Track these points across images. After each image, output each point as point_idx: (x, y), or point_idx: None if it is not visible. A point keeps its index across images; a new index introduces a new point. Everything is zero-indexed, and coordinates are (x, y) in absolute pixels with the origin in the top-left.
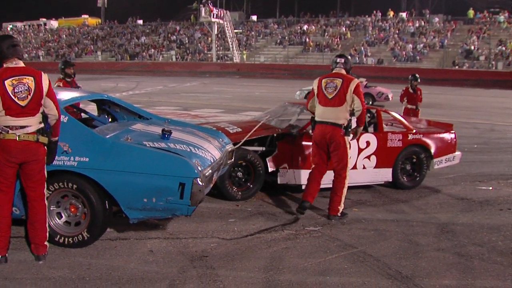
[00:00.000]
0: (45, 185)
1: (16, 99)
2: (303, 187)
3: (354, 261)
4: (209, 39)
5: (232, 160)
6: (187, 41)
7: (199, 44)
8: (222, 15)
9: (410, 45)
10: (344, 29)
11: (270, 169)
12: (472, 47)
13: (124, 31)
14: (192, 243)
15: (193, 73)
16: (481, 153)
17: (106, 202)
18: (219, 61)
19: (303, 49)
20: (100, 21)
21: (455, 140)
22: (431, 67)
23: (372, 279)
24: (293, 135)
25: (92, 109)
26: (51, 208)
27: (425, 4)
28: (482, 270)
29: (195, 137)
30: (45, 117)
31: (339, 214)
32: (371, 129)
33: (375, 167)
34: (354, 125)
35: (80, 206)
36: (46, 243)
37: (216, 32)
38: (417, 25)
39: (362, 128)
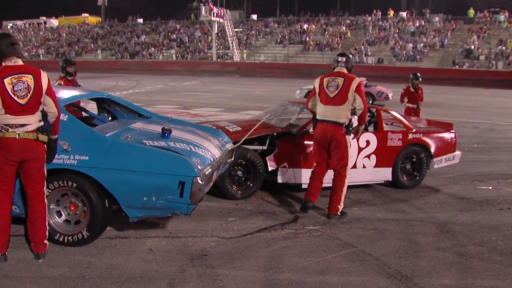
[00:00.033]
0: (45, 184)
1: (15, 98)
2: (303, 186)
3: (353, 260)
4: (209, 38)
5: (232, 159)
6: (187, 40)
7: (199, 43)
8: (222, 14)
9: (410, 45)
10: (344, 28)
11: (270, 168)
12: (472, 47)
13: (124, 30)
14: (192, 242)
15: (193, 72)
16: (481, 152)
17: (106, 200)
18: (219, 60)
19: (303, 48)
20: (100, 19)
21: (455, 139)
22: (431, 67)
23: (372, 278)
24: (293, 134)
25: (92, 107)
26: (51, 207)
27: (425, 3)
28: (481, 269)
29: (195, 136)
30: (44, 115)
31: (339, 213)
32: (371, 128)
33: (375, 166)
34: (355, 123)
35: (80, 204)
36: (45, 241)
37: (216, 31)
38: (417, 24)
39: (363, 126)
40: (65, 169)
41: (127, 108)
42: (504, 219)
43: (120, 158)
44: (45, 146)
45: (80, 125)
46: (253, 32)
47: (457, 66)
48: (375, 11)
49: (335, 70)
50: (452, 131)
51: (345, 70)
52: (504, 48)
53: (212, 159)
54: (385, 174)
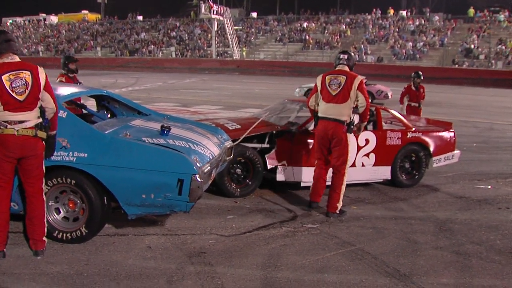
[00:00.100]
0: (44, 181)
1: (14, 94)
2: (302, 184)
3: (352, 259)
4: (209, 35)
5: (231, 156)
6: (187, 38)
7: (199, 41)
8: (222, 11)
9: (410, 43)
10: (344, 26)
11: (269, 166)
12: (472, 46)
13: (124, 27)
14: (191, 239)
15: (193, 70)
16: (480, 151)
17: (105, 197)
18: (218, 57)
19: (303, 47)
20: (100, 16)
21: (454, 138)
22: (430, 66)
23: (370, 276)
24: (292, 132)
25: (91, 105)
26: (50, 204)
27: (425, 2)
28: (480, 268)
29: (194, 134)
30: (42, 112)
31: (337, 212)
32: (370, 127)
33: (374, 165)
34: (356, 121)
35: (78, 201)
36: (44, 238)
37: (216, 29)
38: (417, 23)
39: (365, 123)
40: (64, 166)
41: (126, 105)
42: (503, 218)
43: (119, 155)
44: (43, 142)
45: (79, 122)
46: (252, 30)
47: (456, 65)
48: (375, 10)
49: (337, 68)
50: (451, 130)
51: (346, 68)
52: (503, 47)
53: (211, 157)
54: (384, 172)
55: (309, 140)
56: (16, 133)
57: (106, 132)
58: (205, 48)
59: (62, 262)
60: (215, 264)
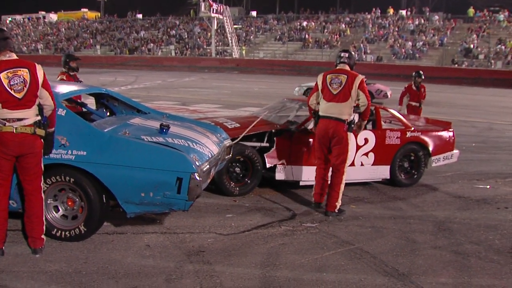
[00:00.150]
0: (42, 179)
1: (12, 92)
2: (301, 183)
3: (351, 258)
4: (209, 34)
5: (230, 155)
6: (186, 36)
7: (198, 39)
8: (221, 10)
9: (410, 43)
10: (343, 26)
11: (268, 165)
12: (472, 46)
13: (124, 25)
14: (189, 238)
15: (192, 68)
16: (479, 151)
17: (104, 196)
18: (218, 56)
19: (303, 46)
20: (99, 14)
21: (453, 138)
22: (430, 65)
23: (369, 276)
24: (291, 131)
25: (91, 103)
26: (48, 202)
27: (425, 2)
28: (478, 268)
29: (193, 132)
30: (41, 109)
31: (336, 211)
32: (369, 126)
33: (373, 164)
34: (356, 120)
35: (77, 199)
36: (43, 236)
37: (215, 27)
38: (416, 23)
39: (366, 122)
40: (62, 164)
41: (125, 103)
42: (502, 218)
43: (118, 153)
44: (42, 140)
45: (78, 120)
46: (252, 28)
47: (456, 65)
48: (374, 9)
49: (338, 67)
50: (450, 129)
51: (347, 67)
52: (503, 47)
53: (210, 155)
54: (383, 172)
55: (309, 139)
56: (14, 131)
57: (105, 130)
58: (205, 46)
59: (61, 260)
60: (214, 262)
